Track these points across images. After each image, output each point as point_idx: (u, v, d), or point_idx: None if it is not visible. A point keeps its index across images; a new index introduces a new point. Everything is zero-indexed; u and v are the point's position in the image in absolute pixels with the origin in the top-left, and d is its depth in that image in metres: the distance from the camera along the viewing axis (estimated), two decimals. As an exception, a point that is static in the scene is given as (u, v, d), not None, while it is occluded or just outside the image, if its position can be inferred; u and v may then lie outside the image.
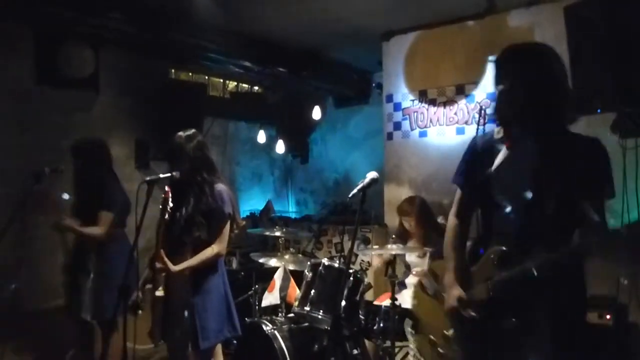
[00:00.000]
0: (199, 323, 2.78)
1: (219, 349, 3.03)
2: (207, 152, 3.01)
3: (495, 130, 2.02)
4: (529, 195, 1.85)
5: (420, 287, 2.41)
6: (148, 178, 2.76)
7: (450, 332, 2.10)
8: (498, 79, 1.94)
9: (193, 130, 3.02)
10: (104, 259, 3.53)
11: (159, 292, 2.77)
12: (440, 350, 2.24)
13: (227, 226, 2.91)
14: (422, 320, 2.38)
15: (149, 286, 2.98)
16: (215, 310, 2.86)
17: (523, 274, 1.81)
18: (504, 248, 1.91)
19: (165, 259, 2.72)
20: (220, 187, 2.94)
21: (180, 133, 2.98)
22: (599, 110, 3.49)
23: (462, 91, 4.60)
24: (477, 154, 2.07)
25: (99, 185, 3.55)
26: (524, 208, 1.87)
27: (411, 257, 3.93)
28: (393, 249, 3.53)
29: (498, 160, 1.96)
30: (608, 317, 3.20)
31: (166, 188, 2.68)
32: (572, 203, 1.79)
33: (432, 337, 2.27)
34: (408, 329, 2.52)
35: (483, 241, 2.03)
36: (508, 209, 1.92)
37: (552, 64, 1.90)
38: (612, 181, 1.84)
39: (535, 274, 1.77)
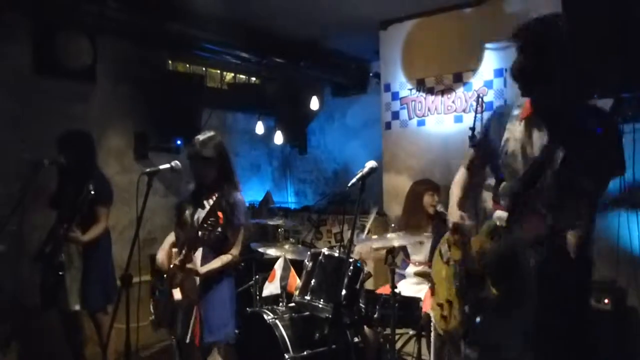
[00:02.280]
0: (206, 319, 2.83)
1: (227, 350, 3.06)
2: (226, 157, 3.00)
3: (513, 104, 2.17)
4: (533, 168, 1.95)
5: (439, 254, 2.51)
6: (147, 170, 2.77)
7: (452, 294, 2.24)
8: (522, 50, 2.02)
9: (211, 133, 2.99)
10: (91, 249, 3.58)
11: (177, 295, 2.79)
12: (444, 314, 2.35)
13: (242, 233, 2.99)
14: (437, 286, 2.48)
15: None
16: (222, 307, 2.92)
17: (512, 250, 1.93)
18: (497, 223, 2.02)
19: (196, 263, 2.80)
20: (238, 197, 2.96)
21: (198, 136, 2.94)
22: (595, 96, 3.50)
23: (459, 79, 4.59)
24: (494, 124, 2.24)
25: (90, 179, 3.53)
26: (529, 179, 1.96)
27: (416, 247, 3.91)
28: (393, 238, 3.53)
29: (510, 132, 2.09)
30: (607, 301, 3.22)
31: (219, 214, 2.74)
32: (578, 180, 1.84)
33: (441, 301, 2.38)
34: (429, 298, 2.67)
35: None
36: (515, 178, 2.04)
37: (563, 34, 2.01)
38: (623, 159, 1.91)
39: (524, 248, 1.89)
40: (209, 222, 2.68)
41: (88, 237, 3.54)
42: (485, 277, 2.04)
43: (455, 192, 2.38)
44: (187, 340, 2.82)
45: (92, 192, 3.44)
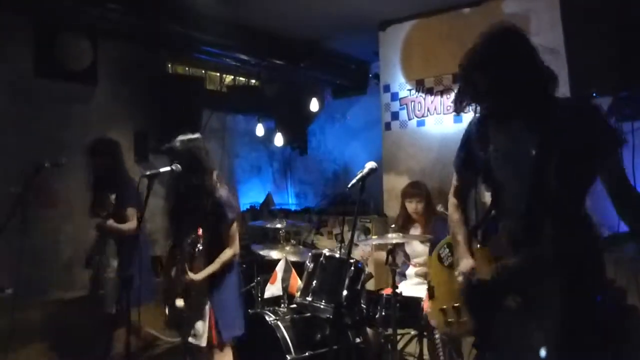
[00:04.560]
0: (216, 319, 2.88)
1: (228, 349, 3.07)
2: (201, 159, 3.00)
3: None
4: (530, 171, 1.86)
5: (437, 258, 2.48)
6: (148, 172, 2.79)
7: (459, 303, 2.20)
8: (470, 70, 1.97)
9: (191, 136, 3.05)
10: (125, 252, 3.67)
11: (180, 303, 2.87)
12: (450, 320, 2.31)
13: (235, 227, 3.03)
14: (436, 289, 2.46)
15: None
16: (231, 306, 2.98)
17: (532, 259, 1.83)
18: (504, 227, 1.95)
19: (189, 273, 2.84)
20: (219, 192, 2.99)
21: (180, 137, 3.02)
22: (594, 95, 3.51)
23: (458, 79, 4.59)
24: (471, 139, 2.12)
25: (120, 183, 3.68)
26: (528, 185, 1.87)
27: (412, 247, 3.94)
28: (394, 237, 3.54)
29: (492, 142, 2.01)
30: (607, 300, 3.22)
31: (199, 231, 2.79)
32: (576, 171, 1.79)
33: (444, 306, 2.34)
34: (425, 299, 2.63)
35: (494, 220, 2.08)
36: (510, 187, 1.96)
37: (517, 42, 1.92)
38: (615, 130, 1.84)
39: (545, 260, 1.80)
40: (191, 239, 2.77)
41: (119, 227, 3.65)
42: (501, 287, 1.95)
43: (459, 231, 2.18)
44: (203, 344, 2.85)
45: (115, 198, 3.53)
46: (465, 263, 2.07)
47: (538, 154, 1.83)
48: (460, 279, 2.07)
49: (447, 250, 2.40)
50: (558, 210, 1.81)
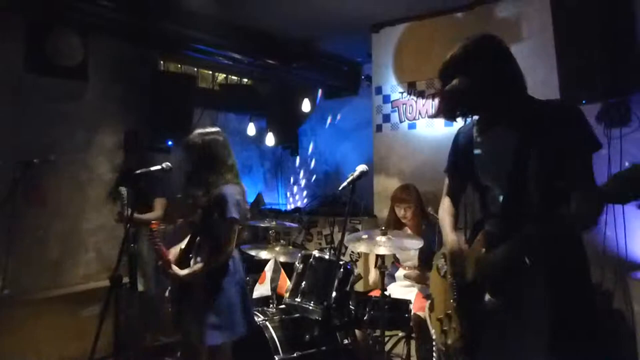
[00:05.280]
0: (209, 320, 2.82)
1: (227, 347, 3.02)
2: (216, 153, 2.94)
3: (474, 121, 2.13)
4: (509, 173, 1.92)
5: (436, 269, 2.50)
6: (138, 171, 2.78)
7: (452, 308, 2.20)
8: (446, 77, 1.99)
9: (209, 129, 3.01)
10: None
11: (140, 288, 2.91)
12: (445, 328, 2.33)
13: (232, 229, 2.88)
14: (435, 300, 2.48)
15: None
16: (225, 308, 2.88)
17: (507, 254, 1.88)
18: (488, 229, 2.00)
19: (174, 267, 2.84)
20: (224, 188, 2.87)
21: (197, 130, 2.99)
22: (584, 102, 3.54)
23: (450, 83, 4.62)
24: (459, 145, 2.20)
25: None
26: (508, 187, 1.94)
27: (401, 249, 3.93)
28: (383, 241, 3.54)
29: (476, 147, 2.09)
30: (593, 304, 3.25)
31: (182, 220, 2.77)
32: (555, 171, 1.82)
33: (440, 316, 2.36)
34: (427, 311, 2.66)
35: (479, 224, 2.12)
36: (495, 191, 2.01)
37: (493, 51, 1.95)
38: (592, 134, 1.83)
39: (522, 254, 1.85)
40: (202, 228, 2.77)
41: (141, 217, 3.97)
42: (482, 287, 1.97)
43: (447, 220, 2.25)
44: (197, 342, 2.83)
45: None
46: (453, 239, 2.14)
47: (518, 156, 1.89)
48: (449, 248, 2.13)
49: (443, 260, 2.41)
50: (540, 211, 1.83)
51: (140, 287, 3.91)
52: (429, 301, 2.56)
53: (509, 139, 1.93)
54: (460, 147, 2.19)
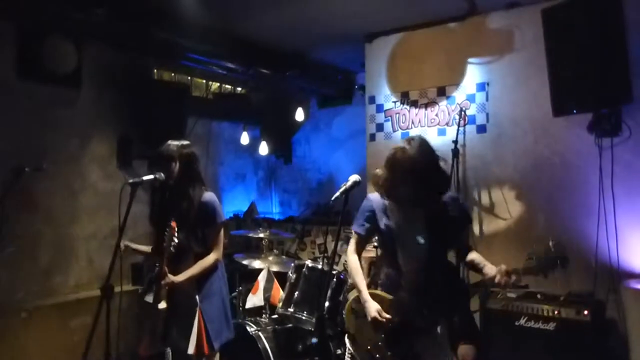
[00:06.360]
0: (206, 326, 2.86)
1: (216, 355, 3.07)
2: (196, 165, 3.06)
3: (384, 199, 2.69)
4: (416, 240, 2.56)
5: (350, 310, 2.66)
6: (131, 180, 2.77)
7: (380, 341, 2.59)
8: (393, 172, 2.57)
9: (184, 142, 3.08)
10: None
11: (162, 306, 2.84)
12: (377, 356, 2.56)
13: (221, 233, 3.02)
14: (357, 336, 2.61)
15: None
16: (218, 312, 2.96)
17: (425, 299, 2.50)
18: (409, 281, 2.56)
19: (169, 275, 2.82)
20: (208, 196, 3.00)
21: (171, 142, 3.03)
22: (575, 112, 3.57)
23: (443, 93, 4.65)
24: (371, 211, 2.72)
25: None
26: (415, 250, 2.57)
27: None
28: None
29: (387, 217, 2.65)
30: (586, 312, 3.26)
31: (172, 224, 2.78)
32: (448, 239, 2.61)
33: (368, 347, 2.61)
34: (347, 342, 2.82)
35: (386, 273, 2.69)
36: (404, 252, 2.60)
37: (423, 159, 2.51)
38: (468, 213, 2.94)
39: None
40: (165, 234, 2.74)
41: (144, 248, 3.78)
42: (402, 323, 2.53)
43: (360, 281, 2.69)
44: (191, 352, 2.83)
45: None
46: (372, 306, 2.57)
47: (426, 230, 2.56)
48: (373, 315, 2.54)
49: (358, 303, 2.67)
50: (438, 266, 2.57)
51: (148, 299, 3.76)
52: (348, 337, 2.78)
53: (420, 218, 2.57)
54: (372, 213, 2.70)
